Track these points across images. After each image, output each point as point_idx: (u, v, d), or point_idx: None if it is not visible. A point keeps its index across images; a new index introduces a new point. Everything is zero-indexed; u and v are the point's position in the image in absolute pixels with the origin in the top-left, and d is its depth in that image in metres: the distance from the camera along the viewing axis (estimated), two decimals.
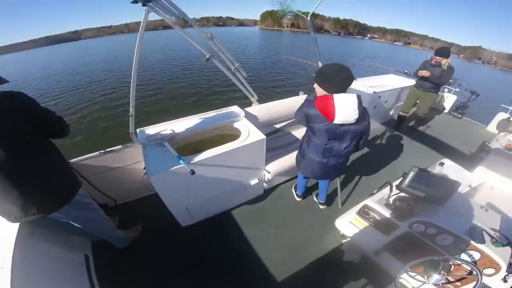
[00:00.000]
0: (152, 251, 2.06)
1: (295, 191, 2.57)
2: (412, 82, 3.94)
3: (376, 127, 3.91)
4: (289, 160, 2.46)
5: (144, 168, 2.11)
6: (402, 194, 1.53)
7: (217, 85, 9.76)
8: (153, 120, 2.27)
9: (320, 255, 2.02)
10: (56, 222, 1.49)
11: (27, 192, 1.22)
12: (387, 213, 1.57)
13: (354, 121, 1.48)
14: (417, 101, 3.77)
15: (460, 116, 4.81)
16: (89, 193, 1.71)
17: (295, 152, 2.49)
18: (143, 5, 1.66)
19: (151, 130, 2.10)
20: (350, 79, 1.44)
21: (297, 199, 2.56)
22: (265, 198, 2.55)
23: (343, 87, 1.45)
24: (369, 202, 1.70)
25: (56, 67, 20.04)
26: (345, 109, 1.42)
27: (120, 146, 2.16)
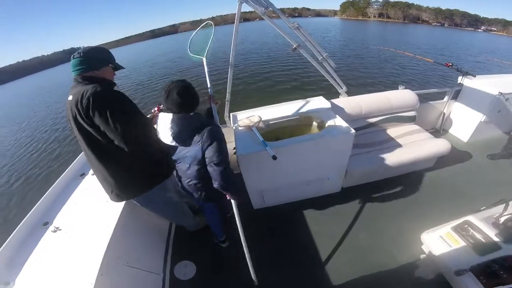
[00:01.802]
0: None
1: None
2: None
3: (496, 135, 3.12)
4: (376, 160, 2.26)
5: (234, 148, 2.32)
6: None
7: (303, 75, 9.51)
8: (243, 106, 2.44)
9: (389, 266, 1.82)
10: None
11: (108, 180, 1.39)
12: (491, 233, 1.44)
13: (172, 142, 1.34)
14: None
15: None
16: None
17: (385, 153, 2.32)
18: None
19: (242, 115, 2.28)
20: (171, 95, 1.25)
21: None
22: (340, 196, 2.40)
23: (171, 106, 1.28)
24: (472, 218, 1.56)
25: (157, 58, 23.89)
26: (162, 129, 1.34)
27: None
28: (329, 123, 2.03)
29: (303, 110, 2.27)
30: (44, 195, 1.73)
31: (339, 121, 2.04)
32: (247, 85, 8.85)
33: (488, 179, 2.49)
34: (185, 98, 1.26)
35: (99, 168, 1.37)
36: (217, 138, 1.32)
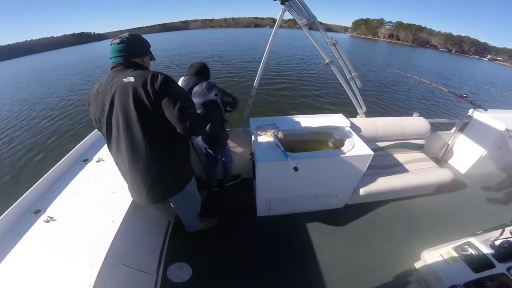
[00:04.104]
0: (223, 229, 2.25)
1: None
2: None
3: (492, 170, 3.19)
4: (383, 182, 2.32)
5: (251, 154, 2.34)
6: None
7: (325, 89, 9.69)
8: (262, 113, 2.48)
9: (385, 281, 1.88)
10: None
11: (152, 176, 1.29)
12: (488, 253, 1.58)
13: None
14: None
15: None
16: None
17: (392, 176, 2.40)
18: (281, 3, 1.84)
19: (261, 121, 2.30)
20: (191, 68, 1.91)
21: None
22: (344, 213, 2.45)
23: (190, 72, 1.91)
24: (473, 240, 1.70)
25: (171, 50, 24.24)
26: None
27: (233, 129, 2.44)
28: (348, 141, 2.06)
29: (322, 125, 2.31)
30: (39, 181, 1.54)
31: (358, 141, 2.07)
32: (268, 92, 8.82)
33: (480, 208, 2.62)
34: (198, 68, 1.90)
35: (148, 162, 1.24)
36: (211, 83, 1.88)
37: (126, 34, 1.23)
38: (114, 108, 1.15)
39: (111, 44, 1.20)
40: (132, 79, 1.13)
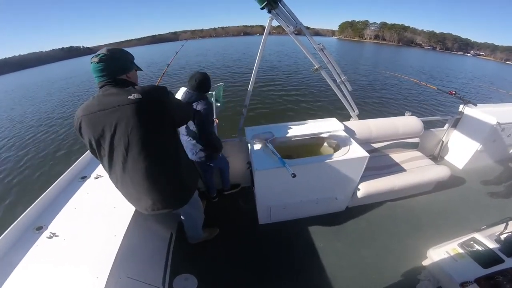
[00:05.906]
0: (225, 239, 2.23)
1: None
2: None
3: (489, 163, 3.21)
4: (382, 183, 2.32)
5: (248, 163, 2.33)
6: None
7: (317, 94, 9.76)
8: (257, 121, 2.48)
9: (392, 281, 1.87)
10: None
11: (161, 189, 1.25)
12: (495, 248, 1.57)
13: None
14: None
15: None
16: None
17: (390, 176, 2.40)
18: (268, 12, 1.88)
19: (257, 130, 2.30)
20: (192, 80, 1.87)
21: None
22: (345, 215, 2.44)
23: (190, 87, 1.88)
24: (478, 235, 1.68)
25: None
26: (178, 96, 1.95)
27: (229, 139, 2.45)
28: (343, 145, 2.07)
29: (316, 130, 2.31)
30: (39, 198, 1.55)
31: (353, 144, 2.08)
32: (261, 100, 8.85)
33: (481, 203, 2.62)
34: (198, 83, 1.85)
35: (170, 174, 1.26)
36: (205, 110, 1.85)
37: (104, 51, 1.12)
38: (120, 127, 1.08)
39: (91, 62, 1.11)
40: (138, 95, 1.08)
